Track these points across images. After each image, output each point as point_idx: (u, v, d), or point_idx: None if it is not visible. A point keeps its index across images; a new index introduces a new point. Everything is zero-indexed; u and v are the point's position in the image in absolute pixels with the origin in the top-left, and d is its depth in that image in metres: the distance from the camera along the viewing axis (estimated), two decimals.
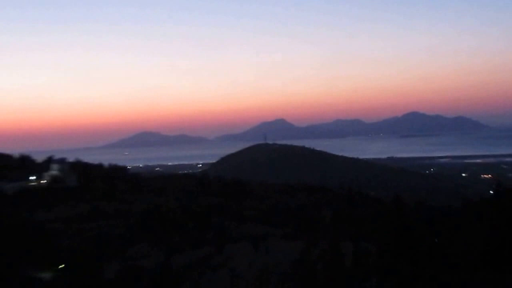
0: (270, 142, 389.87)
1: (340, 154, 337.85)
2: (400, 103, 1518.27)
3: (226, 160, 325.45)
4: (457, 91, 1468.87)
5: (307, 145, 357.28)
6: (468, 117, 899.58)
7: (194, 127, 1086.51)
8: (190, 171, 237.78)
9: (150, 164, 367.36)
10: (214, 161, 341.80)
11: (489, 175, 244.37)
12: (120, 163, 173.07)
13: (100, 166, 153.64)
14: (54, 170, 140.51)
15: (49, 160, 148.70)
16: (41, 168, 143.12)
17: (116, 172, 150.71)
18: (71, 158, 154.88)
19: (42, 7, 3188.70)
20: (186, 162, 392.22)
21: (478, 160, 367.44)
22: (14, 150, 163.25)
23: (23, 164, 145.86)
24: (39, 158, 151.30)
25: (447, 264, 29.21)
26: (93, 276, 46.20)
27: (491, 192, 76.22)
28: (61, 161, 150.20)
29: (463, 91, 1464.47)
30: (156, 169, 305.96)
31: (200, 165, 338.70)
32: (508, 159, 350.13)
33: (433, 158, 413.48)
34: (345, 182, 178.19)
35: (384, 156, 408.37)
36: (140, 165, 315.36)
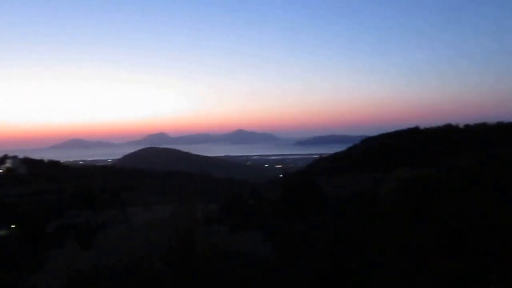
0: (155, 146, 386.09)
1: (198, 153, 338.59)
2: (232, 123, 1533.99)
3: (126, 157, 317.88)
4: (268, 114, 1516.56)
5: (178, 148, 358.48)
6: (270, 133, 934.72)
7: (108, 135, 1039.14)
8: (104, 164, 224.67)
9: (76, 159, 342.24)
10: (120, 157, 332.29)
11: (280, 166, 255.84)
12: (56, 159, 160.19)
13: (41, 161, 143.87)
14: (8, 164, 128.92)
15: (4, 157, 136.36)
16: None
17: (53, 165, 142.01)
18: (21, 155, 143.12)
19: None
20: (101, 158, 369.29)
21: (274, 157, 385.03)
22: None
23: None
24: None
25: (260, 209, 30.15)
26: (37, 231, 42.50)
27: (281, 175, 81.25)
28: (14, 157, 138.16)
29: (269, 116, 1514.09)
30: (80, 162, 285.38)
31: (110, 160, 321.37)
32: (289, 157, 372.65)
33: (249, 156, 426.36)
34: (200, 170, 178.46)
35: (222, 154, 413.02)
36: (70, 160, 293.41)
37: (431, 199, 15.79)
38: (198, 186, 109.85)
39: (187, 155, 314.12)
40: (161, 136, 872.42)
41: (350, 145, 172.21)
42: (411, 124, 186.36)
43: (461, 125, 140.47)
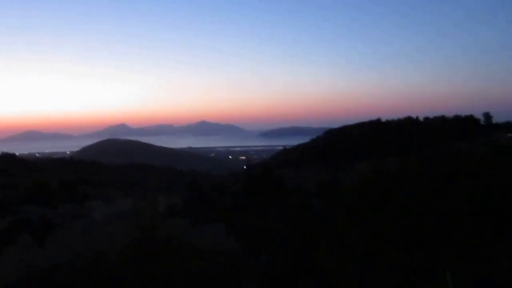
0: (116, 137, 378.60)
1: (161, 145, 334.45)
2: (195, 114, 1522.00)
3: (85, 149, 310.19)
4: (232, 106, 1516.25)
5: (140, 140, 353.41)
6: (234, 124, 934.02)
7: (65, 127, 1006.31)
8: (62, 156, 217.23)
9: (32, 152, 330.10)
10: (79, 150, 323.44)
11: (244, 157, 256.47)
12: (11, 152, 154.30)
13: None
14: None
15: None
16: None
17: (8, 158, 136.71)
18: None
19: None
20: (59, 150, 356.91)
21: (238, 149, 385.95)
22: None
23: None
24: None
25: (223, 202, 30.10)
26: None
27: (245, 167, 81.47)
28: None
29: (233, 107, 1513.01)
30: (36, 155, 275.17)
31: (69, 152, 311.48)
32: (254, 148, 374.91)
33: (214, 147, 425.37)
34: (162, 162, 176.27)
35: (186, 146, 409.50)
36: (26, 153, 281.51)
37: (391, 192, 16.18)
38: (160, 178, 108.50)
39: (149, 147, 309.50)
40: (122, 127, 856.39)
41: (313, 136, 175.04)
42: (373, 116, 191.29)
43: (421, 118, 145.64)
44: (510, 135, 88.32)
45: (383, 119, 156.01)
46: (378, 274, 12.70)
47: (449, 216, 13.74)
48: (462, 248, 12.46)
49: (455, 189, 14.78)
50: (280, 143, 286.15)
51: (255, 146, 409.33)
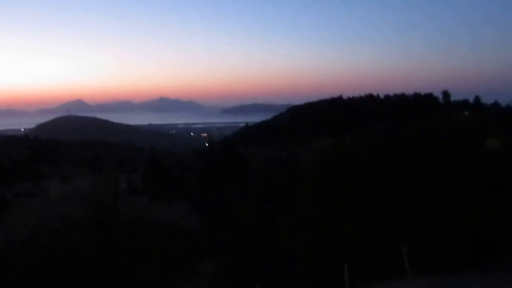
0: (73, 114, 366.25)
1: (119, 122, 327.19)
2: (154, 90, 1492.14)
3: (41, 126, 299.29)
4: (189, 83, 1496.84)
5: (97, 117, 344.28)
6: (195, 101, 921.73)
7: (19, 103, 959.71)
8: (16, 133, 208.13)
9: None
10: (34, 126, 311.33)
11: (205, 134, 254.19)
12: None
13: None
14: None
15: None
16: None
17: None
18: None
19: None
20: (12, 127, 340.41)
21: (200, 126, 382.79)
22: None
23: None
24: None
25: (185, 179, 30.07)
26: None
27: (206, 144, 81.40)
28: None
29: (193, 83, 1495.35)
30: None
31: (23, 130, 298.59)
32: (215, 125, 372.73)
33: (174, 124, 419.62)
34: (121, 139, 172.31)
35: (145, 123, 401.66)
36: None
37: (350, 167, 16.66)
38: (119, 156, 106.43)
39: (108, 124, 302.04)
40: (79, 103, 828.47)
41: (275, 113, 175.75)
42: (335, 93, 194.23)
43: (381, 95, 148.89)
44: (466, 113, 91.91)
45: (345, 96, 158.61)
46: (336, 244, 13.20)
47: (407, 191, 14.36)
48: (419, 222, 13.08)
49: (410, 165, 15.42)
50: (242, 119, 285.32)
51: (216, 123, 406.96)
